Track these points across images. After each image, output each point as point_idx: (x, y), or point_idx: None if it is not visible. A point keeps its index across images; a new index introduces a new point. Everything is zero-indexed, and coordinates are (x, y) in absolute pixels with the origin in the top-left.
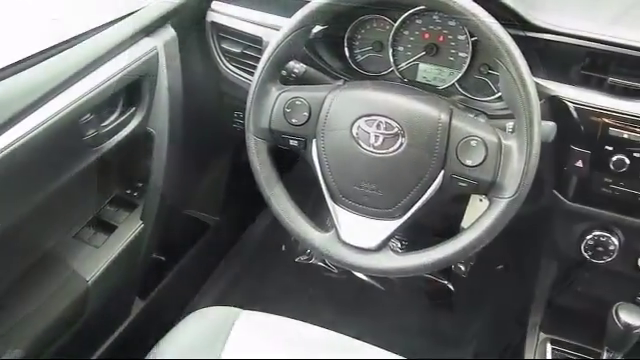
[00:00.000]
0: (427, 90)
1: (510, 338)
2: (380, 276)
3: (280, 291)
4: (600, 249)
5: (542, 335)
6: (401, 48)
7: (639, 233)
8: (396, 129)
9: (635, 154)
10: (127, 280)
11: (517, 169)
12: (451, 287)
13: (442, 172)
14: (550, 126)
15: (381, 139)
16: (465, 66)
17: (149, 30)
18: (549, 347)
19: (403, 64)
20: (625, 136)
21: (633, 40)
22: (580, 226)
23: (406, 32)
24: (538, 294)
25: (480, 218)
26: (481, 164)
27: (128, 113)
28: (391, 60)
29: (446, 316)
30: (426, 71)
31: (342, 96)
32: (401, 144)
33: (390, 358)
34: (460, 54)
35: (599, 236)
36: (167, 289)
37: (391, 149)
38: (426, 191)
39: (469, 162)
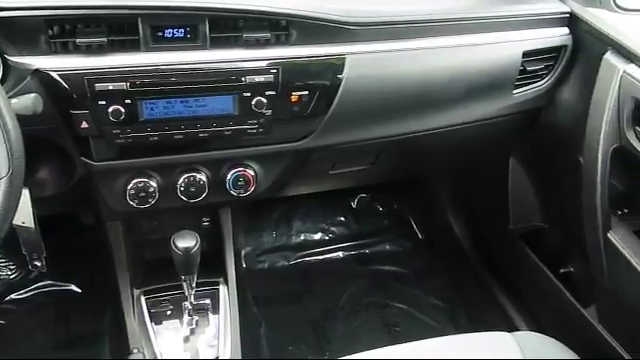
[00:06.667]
0: None
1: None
2: None
3: None
4: (143, 194)
5: (136, 291)
6: None
7: (167, 169)
8: None
9: (127, 101)
10: None
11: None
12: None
13: None
14: (30, 98)
15: None
16: None
17: None
18: (143, 300)
19: None
20: (111, 87)
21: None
22: (118, 181)
23: None
24: (118, 255)
25: None
26: None
27: None
28: None
29: (77, 319)
30: None
31: None
32: None
33: None
34: None
35: (137, 183)
36: None
37: None
38: None
39: None
